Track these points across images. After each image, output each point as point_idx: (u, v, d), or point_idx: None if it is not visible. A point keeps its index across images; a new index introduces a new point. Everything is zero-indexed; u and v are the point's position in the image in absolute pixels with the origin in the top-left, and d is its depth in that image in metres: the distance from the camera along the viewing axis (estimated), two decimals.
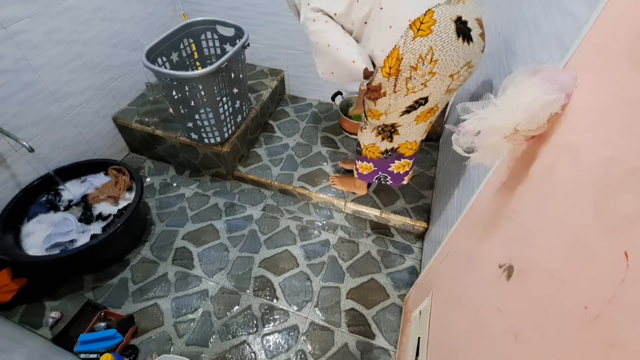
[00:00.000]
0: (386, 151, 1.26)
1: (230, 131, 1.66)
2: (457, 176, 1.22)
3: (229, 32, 1.60)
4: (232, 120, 1.63)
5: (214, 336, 1.28)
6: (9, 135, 1.25)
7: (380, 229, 1.62)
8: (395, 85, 0.97)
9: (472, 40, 0.87)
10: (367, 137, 1.25)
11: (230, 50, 1.42)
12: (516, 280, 0.51)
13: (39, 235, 1.36)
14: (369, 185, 1.66)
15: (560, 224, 0.44)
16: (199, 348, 1.25)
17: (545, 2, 0.79)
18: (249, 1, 1.83)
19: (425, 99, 0.99)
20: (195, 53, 1.69)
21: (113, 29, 1.64)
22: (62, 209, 1.47)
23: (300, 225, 1.63)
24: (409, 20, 0.85)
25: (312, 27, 1.00)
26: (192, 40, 1.64)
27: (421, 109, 1.03)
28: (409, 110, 1.04)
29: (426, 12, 0.84)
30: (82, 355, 1.18)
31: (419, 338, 0.96)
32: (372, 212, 1.61)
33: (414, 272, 1.46)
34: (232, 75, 1.49)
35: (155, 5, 1.84)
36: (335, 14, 0.96)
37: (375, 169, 1.38)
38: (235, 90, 1.56)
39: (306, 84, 2.15)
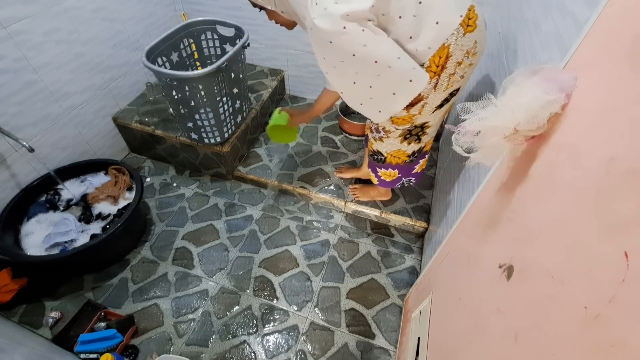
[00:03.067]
0: (413, 153, 1.19)
1: (230, 131, 1.66)
2: (457, 176, 1.22)
3: (229, 32, 1.60)
4: (232, 120, 1.63)
5: (214, 336, 1.28)
6: (9, 135, 1.25)
7: (380, 229, 1.62)
8: (437, 83, 0.92)
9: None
10: (391, 145, 1.16)
11: (230, 50, 1.42)
12: (516, 280, 0.51)
13: (39, 235, 1.36)
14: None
15: (560, 224, 0.44)
16: (199, 348, 1.25)
17: (545, 2, 0.79)
18: None
19: (458, 90, 0.98)
20: (195, 53, 1.69)
21: (113, 29, 1.64)
22: (61, 208, 1.47)
23: (300, 225, 1.63)
24: (461, 17, 0.82)
25: (342, 40, 0.80)
26: (192, 40, 1.64)
27: (452, 99, 1.01)
28: (442, 104, 0.99)
29: (470, 7, 0.84)
30: (82, 355, 1.18)
31: (419, 338, 0.96)
32: (372, 212, 1.61)
33: (414, 272, 1.46)
34: (232, 75, 1.49)
35: (155, 5, 1.84)
36: (372, 6, 0.79)
37: (400, 175, 1.31)
38: (235, 90, 1.56)
39: (306, 84, 2.15)
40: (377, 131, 1.16)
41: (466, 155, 0.58)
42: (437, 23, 0.82)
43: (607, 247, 0.34)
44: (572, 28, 0.60)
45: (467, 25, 0.84)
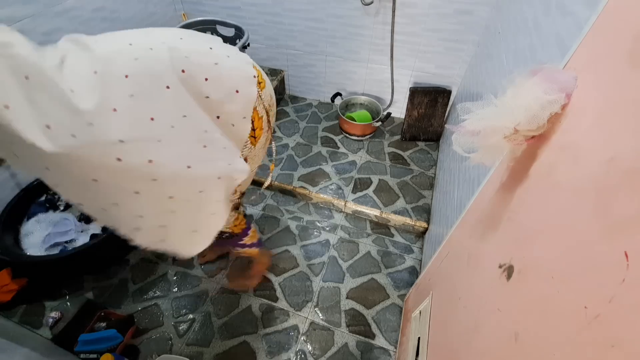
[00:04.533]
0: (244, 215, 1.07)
1: None
2: (457, 176, 1.22)
3: (229, 32, 1.60)
4: None
5: (214, 336, 1.28)
6: None
7: (380, 229, 1.62)
8: (264, 145, 0.89)
9: None
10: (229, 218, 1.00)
11: None
12: (516, 280, 0.51)
13: (38, 235, 1.36)
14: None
15: (560, 224, 0.44)
16: (199, 348, 1.25)
17: (545, 2, 0.79)
18: (249, 1, 1.83)
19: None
20: None
21: (113, 29, 1.63)
22: (61, 208, 1.47)
23: (300, 225, 1.63)
24: (254, 76, 0.78)
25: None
26: None
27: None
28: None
29: (253, 68, 0.81)
30: (82, 355, 1.18)
31: (419, 338, 0.96)
32: (372, 212, 1.61)
33: (414, 272, 1.46)
34: None
35: (156, 5, 1.84)
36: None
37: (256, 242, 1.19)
38: None
39: (306, 84, 2.15)
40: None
41: (466, 155, 0.58)
42: (237, 92, 0.75)
43: (607, 247, 0.34)
44: (572, 28, 0.60)
45: (259, 83, 0.80)
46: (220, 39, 0.81)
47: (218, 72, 0.71)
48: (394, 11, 1.59)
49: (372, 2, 1.61)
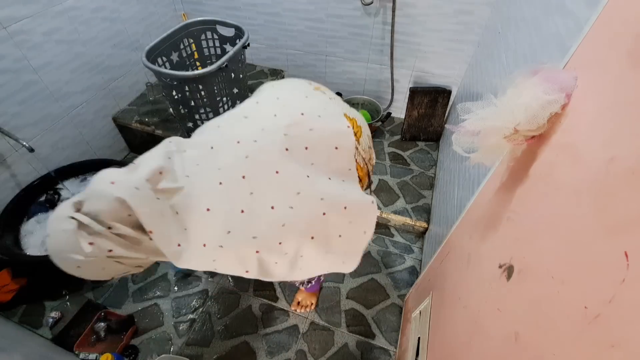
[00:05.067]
0: None
1: None
2: (457, 176, 1.22)
3: (229, 32, 1.60)
4: None
5: (214, 336, 1.28)
6: (9, 135, 1.25)
7: (380, 229, 1.62)
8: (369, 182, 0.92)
9: None
10: None
11: (230, 50, 1.42)
12: (516, 280, 0.51)
13: (38, 235, 1.36)
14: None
15: (560, 223, 0.44)
16: (199, 348, 1.25)
17: (545, 2, 0.79)
18: (249, 1, 1.83)
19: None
20: (195, 53, 1.69)
21: (113, 29, 1.64)
22: None
23: None
24: (348, 127, 0.78)
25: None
26: (192, 40, 1.64)
27: None
28: None
29: (346, 118, 0.81)
30: (81, 356, 1.18)
31: (419, 338, 0.96)
32: None
33: (414, 272, 1.46)
34: (232, 75, 1.49)
35: (155, 5, 1.84)
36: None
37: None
38: (235, 90, 1.56)
39: None
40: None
41: (466, 155, 0.58)
42: (336, 148, 0.76)
43: (607, 247, 0.34)
44: (572, 28, 0.60)
45: (355, 133, 0.80)
46: (307, 89, 0.84)
47: (315, 137, 0.73)
48: (394, 11, 1.59)
49: (372, 2, 1.61)
